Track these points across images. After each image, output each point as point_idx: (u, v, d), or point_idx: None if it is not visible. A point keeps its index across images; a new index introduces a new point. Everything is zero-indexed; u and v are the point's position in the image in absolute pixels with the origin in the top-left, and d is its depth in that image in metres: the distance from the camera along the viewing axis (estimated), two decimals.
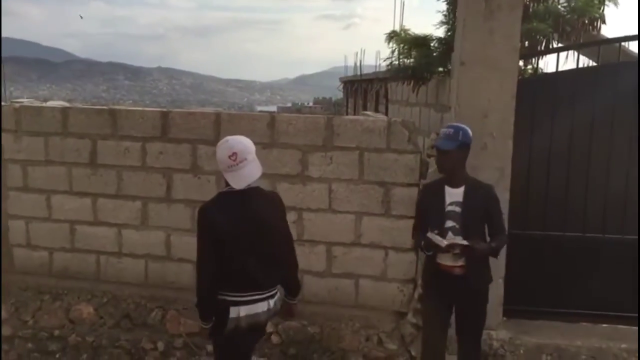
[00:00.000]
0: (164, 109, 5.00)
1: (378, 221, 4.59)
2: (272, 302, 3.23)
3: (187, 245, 4.85)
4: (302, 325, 4.62)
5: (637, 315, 4.48)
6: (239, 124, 4.71)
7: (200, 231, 3.10)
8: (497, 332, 4.37)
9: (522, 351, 4.32)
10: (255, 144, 4.61)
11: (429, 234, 3.44)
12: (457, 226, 3.48)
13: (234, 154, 3.08)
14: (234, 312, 3.10)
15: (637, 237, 4.47)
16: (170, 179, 4.85)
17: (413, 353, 4.41)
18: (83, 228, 5.05)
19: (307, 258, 4.71)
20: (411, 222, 4.06)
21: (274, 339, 4.64)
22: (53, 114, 4.96)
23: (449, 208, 3.50)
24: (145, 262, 4.98)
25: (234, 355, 3.30)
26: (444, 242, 3.37)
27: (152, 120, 4.83)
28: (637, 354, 4.24)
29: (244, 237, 3.10)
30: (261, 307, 3.16)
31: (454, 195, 3.51)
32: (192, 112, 4.94)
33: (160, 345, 4.70)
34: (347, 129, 4.57)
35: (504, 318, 4.51)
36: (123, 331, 4.80)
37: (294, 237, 4.63)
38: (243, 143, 3.15)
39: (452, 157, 3.46)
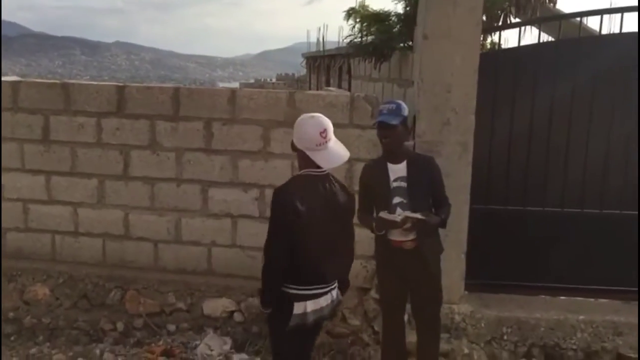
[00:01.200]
0: (120, 84, 4.82)
1: None
2: (334, 293, 3.03)
3: (146, 223, 4.75)
4: None
5: (592, 287, 4.61)
6: (199, 99, 4.59)
7: (275, 216, 2.84)
8: (458, 306, 4.40)
9: (483, 324, 4.36)
10: (215, 120, 4.61)
11: (382, 214, 3.38)
12: (404, 201, 3.46)
13: (325, 130, 2.84)
14: (299, 307, 2.87)
15: (596, 211, 4.55)
16: (127, 155, 4.70)
17: (376, 328, 4.41)
18: (37, 207, 4.87)
19: None
20: None
21: (237, 316, 4.58)
22: (3, 88, 4.74)
23: (395, 184, 3.47)
24: (102, 241, 4.84)
25: (297, 351, 3.09)
26: (398, 218, 3.33)
27: (108, 95, 4.66)
28: (593, 325, 4.34)
29: (321, 226, 2.86)
30: (325, 301, 2.95)
31: (397, 171, 3.48)
32: (149, 86, 4.78)
33: (120, 326, 4.61)
34: (309, 104, 4.49)
35: (466, 292, 4.55)
36: (81, 312, 4.68)
37: (257, 214, 4.64)
38: (328, 120, 2.91)
39: (398, 132, 3.42)
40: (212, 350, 4.27)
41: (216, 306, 4.61)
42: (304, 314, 2.88)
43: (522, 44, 4.61)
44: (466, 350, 4.25)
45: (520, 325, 4.36)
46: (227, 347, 4.33)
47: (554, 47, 4.59)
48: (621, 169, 4.52)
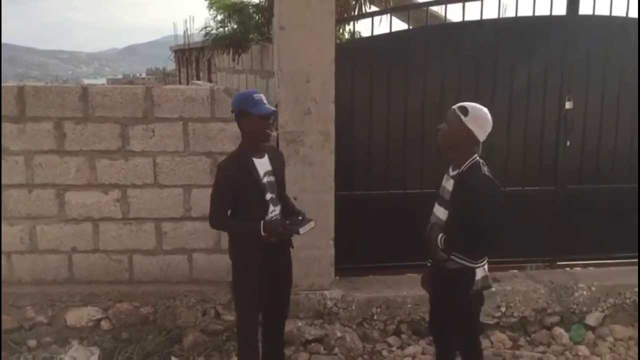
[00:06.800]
0: None
1: (207, 193, 4.39)
2: None
3: None
4: (134, 307, 4.40)
5: None
6: (47, 98, 4.29)
7: (495, 200, 3.03)
8: (330, 291, 4.50)
9: (354, 307, 4.49)
10: (67, 119, 4.36)
11: (302, 228, 3.26)
12: (273, 196, 3.40)
13: None
14: (479, 273, 3.15)
15: None
16: None
17: None
18: None
19: (136, 237, 4.50)
20: None
21: (104, 324, 4.39)
22: None
23: (265, 179, 3.36)
24: None
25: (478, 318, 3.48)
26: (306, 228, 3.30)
27: None
28: None
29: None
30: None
31: (263, 165, 3.37)
32: None
33: None
34: (168, 99, 4.36)
35: (337, 277, 4.66)
36: None
37: (119, 216, 4.45)
38: None
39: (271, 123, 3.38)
40: None
41: (81, 316, 4.38)
42: (486, 277, 3.21)
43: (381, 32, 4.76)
44: (339, 334, 4.36)
45: (389, 304, 4.54)
46: (94, 358, 4.12)
47: (404, 35, 4.78)
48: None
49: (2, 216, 4.37)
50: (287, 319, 4.14)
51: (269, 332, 3.71)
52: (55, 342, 4.34)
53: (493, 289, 3.67)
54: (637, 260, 5.01)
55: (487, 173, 3.05)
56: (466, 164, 3.07)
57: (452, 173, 3.16)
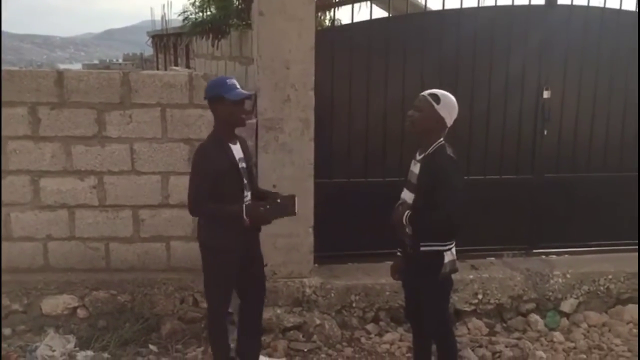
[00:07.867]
0: None
1: (185, 180, 4.37)
2: None
3: None
4: (111, 294, 4.37)
5: None
6: (21, 83, 4.21)
7: (458, 177, 3.12)
8: (309, 279, 4.51)
9: (333, 294, 4.50)
10: (42, 104, 4.28)
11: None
12: (247, 183, 3.40)
13: None
14: (447, 256, 3.16)
15: None
16: None
17: (230, 309, 4.39)
18: None
19: (113, 224, 4.45)
20: None
21: (80, 313, 4.35)
22: None
23: (241, 165, 3.36)
24: None
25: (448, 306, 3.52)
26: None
27: None
28: None
29: None
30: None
31: (237, 151, 3.37)
32: None
33: None
34: (145, 85, 4.31)
35: (316, 265, 4.66)
36: None
37: (96, 203, 4.40)
38: None
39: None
40: (53, 350, 3.99)
41: (56, 304, 4.33)
42: (453, 261, 3.21)
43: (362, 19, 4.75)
44: (318, 321, 4.37)
45: (368, 291, 4.56)
46: (70, 346, 4.07)
47: (384, 23, 4.77)
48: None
49: None
50: (266, 307, 4.15)
51: (248, 317, 3.70)
52: (31, 331, 4.29)
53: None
54: (605, 248, 5.14)
55: (451, 154, 3.11)
56: (432, 147, 3.13)
57: (418, 157, 3.22)
